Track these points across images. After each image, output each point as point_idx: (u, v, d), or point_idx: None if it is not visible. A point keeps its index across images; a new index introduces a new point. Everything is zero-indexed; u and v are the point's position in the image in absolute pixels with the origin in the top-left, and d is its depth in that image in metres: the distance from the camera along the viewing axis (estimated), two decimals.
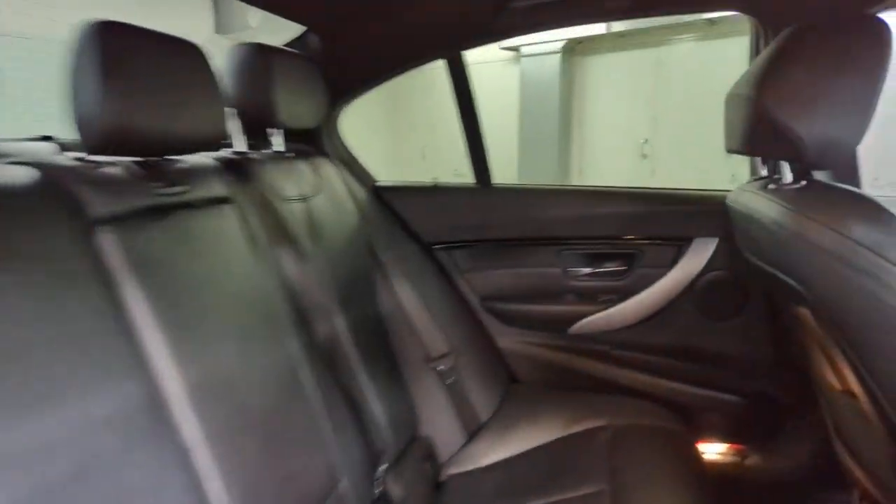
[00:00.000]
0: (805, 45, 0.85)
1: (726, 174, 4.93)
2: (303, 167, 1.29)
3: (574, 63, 5.92)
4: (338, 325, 1.17)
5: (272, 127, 1.22)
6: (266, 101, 1.14)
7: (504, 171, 6.14)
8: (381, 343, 1.33)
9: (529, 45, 5.92)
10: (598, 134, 5.90)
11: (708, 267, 1.44)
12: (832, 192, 0.88)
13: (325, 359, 1.08)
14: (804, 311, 0.97)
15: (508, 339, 1.63)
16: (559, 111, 5.92)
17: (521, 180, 6.12)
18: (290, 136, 1.31)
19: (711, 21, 4.93)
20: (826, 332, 0.90)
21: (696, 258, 1.44)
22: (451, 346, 1.43)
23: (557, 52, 5.80)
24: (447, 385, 1.39)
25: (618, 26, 5.40)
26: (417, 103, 6.92)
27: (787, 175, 0.96)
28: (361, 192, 1.50)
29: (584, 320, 1.55)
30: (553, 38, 5.75)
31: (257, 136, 1.23)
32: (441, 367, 1.39)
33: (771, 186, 1.00)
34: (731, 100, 1.04)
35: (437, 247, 1.63)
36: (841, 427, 1.09)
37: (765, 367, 1.45)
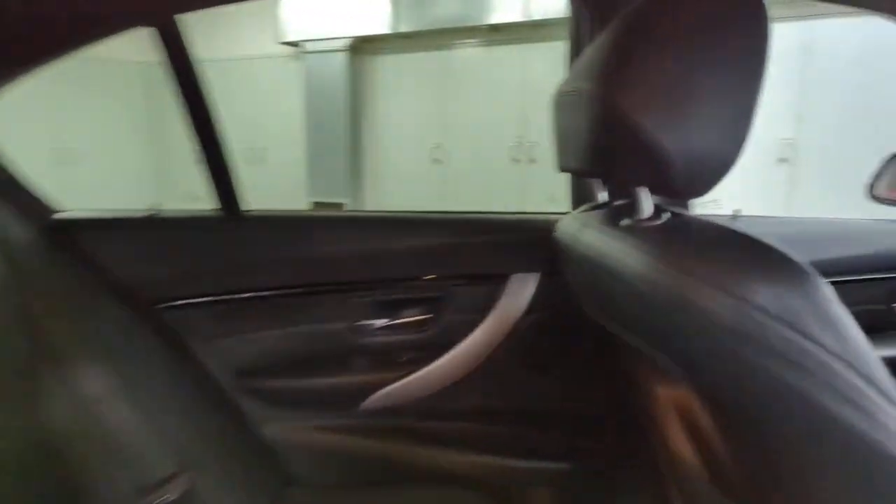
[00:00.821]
0: (663, 25, 0.58)
1: (515, 177, 5.01)
2: None
3: (363, 63, 5.60)
4: None
5: None
6: None
7: (296, 183, 5.61)
8: (51, 482, 0.80)
9: (312, 41, 5.46)
10: (390, 138, 5.65)
11: (529, 309, 1.15)
12: (713, 233, 0.62)
13: None
14: (680, 395, 0.72)
15: (278, 428, 1.18)
16: (349, 113, 5.55)
17: (313, 191, 5.63)
18: None
19: (494, 27, 4.96)
20: (714, 427, 0.65)
21: (515, 299, 1.15)
22: (184, 459, 0.94)
23: (344, 50, 5.43)
24: None
25: (404, 27, 5.21)
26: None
27: (647, 205, 0.67)
28: (24, 232, 0.94)
29: (382, 391, 1.17)
30: (337, 35, 5.37)
31: None
32: (166, 499, 0.90)
33: (625, 222, 0.70)
34: (564, 101, 0.73)
35: (163, 306, 1.11)
36: None
37: (593, 424, 1.21)
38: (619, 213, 0.75)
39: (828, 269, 1.11)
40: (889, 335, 1.19)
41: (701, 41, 0.57)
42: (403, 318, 1.18)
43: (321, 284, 1.15)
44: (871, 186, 1.21)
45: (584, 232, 0.80)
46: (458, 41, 5.24)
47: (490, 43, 5.13)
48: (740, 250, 0.56)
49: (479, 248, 1.16)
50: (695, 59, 0.57)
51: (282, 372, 1.16)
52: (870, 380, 0.50)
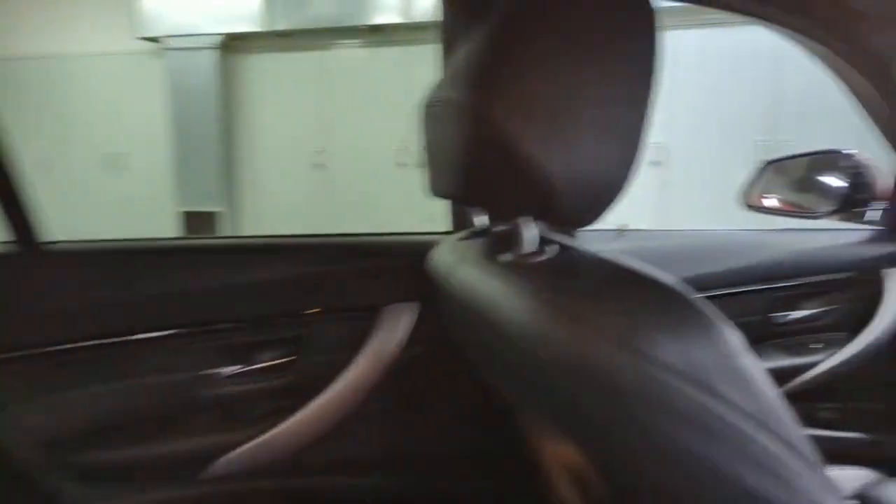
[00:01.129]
0: (542, 28, 0.50)
1: (401, 181, 4.89)
2: None
3: (235, 62, 5.24)
4: None
5: None
6: None
7: (163, 191, 5.14)
8: None
9: (175, 36, 5.01)
10: (269, 141, 5.32)
11: (406, 344, 1.02)
12: (608, 273, 0.54)
13: None
14: (569, 453, 0.62)
15: None
16: (220, 116, 5.16)
17: (182, 199, 5.18)
18: None
19: (374, 28, 4.82)
20: (612, 496, 0.57)
21: (390, 334, 1.01)
22: None
23: (213, 48, 5.04)
24: None
25: (280, 25, 4.92)
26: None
27: (530, 238, 0.57)
28: None
29: (236, 451, 0.98)
30: (205, 31, 4.97)
31: None
32: None
33: (505, 257, 0.59)
34: (432, 112, 0.61)
35: None
36: None
37: (480, 467, 1.10)
38: (499, 244, 0.64)
39: (707, 283, 1.08)
40: (768, 346, 1.19)
41: (585, 47, 0.48)
42: (259, 362, 1.01)
43: (153, 329, 0.95)
44: (744, 195, 1.21)
45: (459, 267, 0.68)
46: (338, 41, 5.05)
47: (371, 44, 4.99)
48: (640, 294, 0.48)
49: (346, 277, 1.01)
50: (576, 65, 0.48)
51: (104, 440, 0.94)
52: (784, 441, 0.43)
